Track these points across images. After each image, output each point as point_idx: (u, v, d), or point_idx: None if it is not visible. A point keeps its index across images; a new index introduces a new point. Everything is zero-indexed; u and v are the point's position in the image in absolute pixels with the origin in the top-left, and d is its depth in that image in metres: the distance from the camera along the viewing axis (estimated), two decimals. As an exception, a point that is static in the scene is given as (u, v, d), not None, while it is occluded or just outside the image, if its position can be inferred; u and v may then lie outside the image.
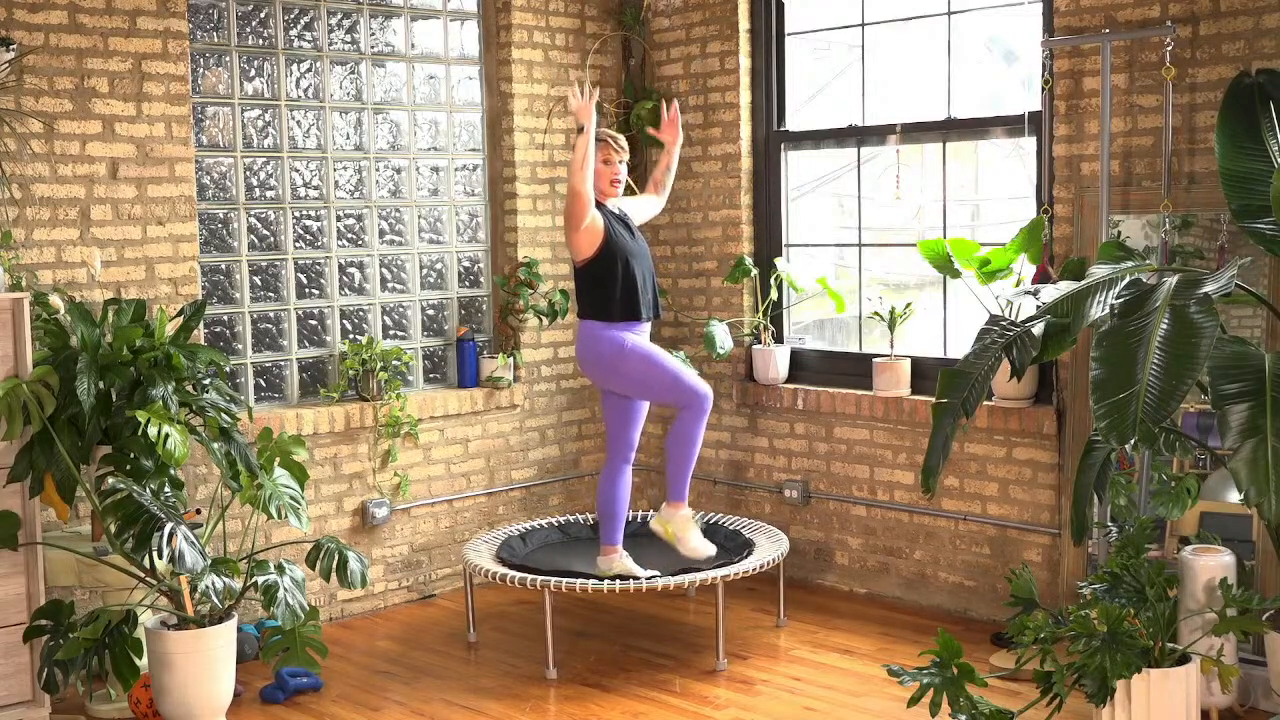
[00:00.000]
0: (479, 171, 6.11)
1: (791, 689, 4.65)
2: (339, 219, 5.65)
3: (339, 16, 5.61)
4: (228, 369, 5.06)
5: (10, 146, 4.64)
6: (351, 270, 5.70)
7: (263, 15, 5.39)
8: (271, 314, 5.49)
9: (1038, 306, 3.91)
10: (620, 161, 5.00)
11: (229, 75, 5.32)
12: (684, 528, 5.03)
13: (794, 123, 6.08)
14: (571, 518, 5.74)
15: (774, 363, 5.95)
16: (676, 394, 4.94)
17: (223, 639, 4.19)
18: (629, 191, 6.20)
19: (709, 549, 5.07)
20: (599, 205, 4.98)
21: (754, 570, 4.96)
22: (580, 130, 4.80)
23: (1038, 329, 3.83)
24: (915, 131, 5.57)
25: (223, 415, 4.41)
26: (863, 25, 5.77)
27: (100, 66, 4.84)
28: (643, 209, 5.26)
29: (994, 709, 3.63)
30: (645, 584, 4.85)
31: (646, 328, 5.03)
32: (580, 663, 4.96)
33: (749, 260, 5.98)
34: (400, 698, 4.65)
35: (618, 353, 4.90)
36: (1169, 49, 4.61)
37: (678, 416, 4.98)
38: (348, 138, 5.66)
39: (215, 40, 5.27)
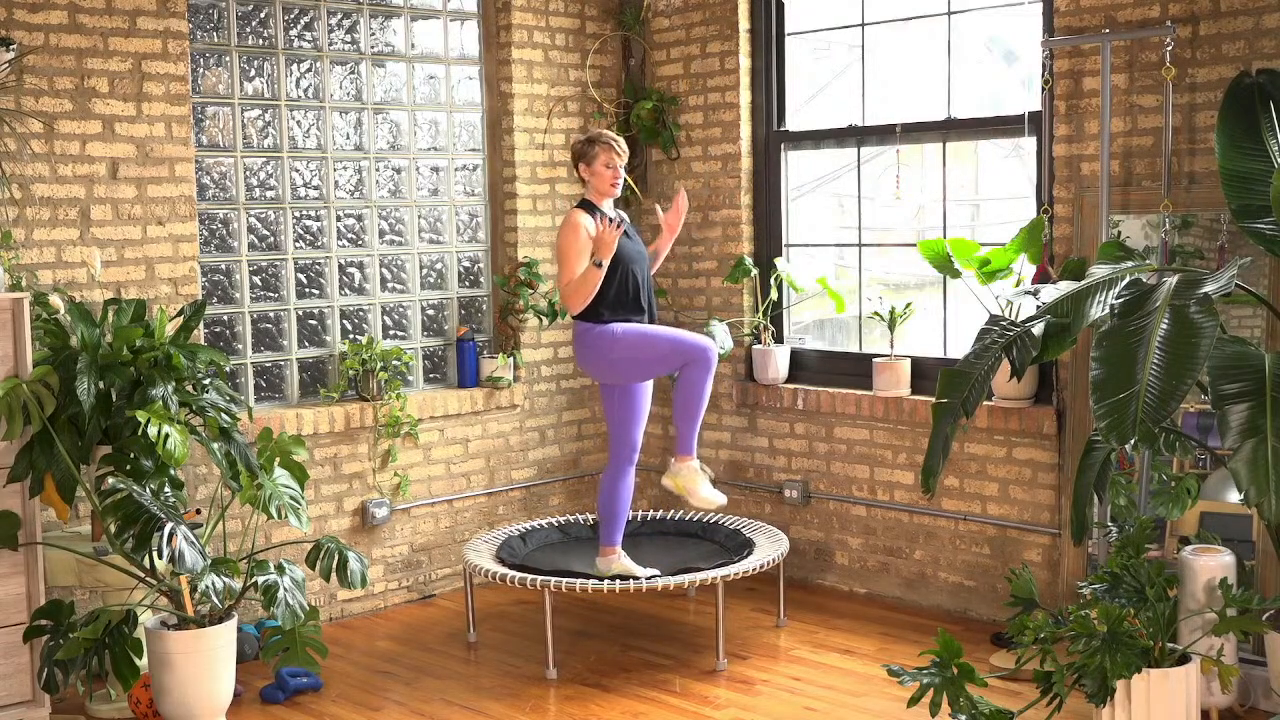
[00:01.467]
0: (479, 171, 6.11)
1: (791, 689, 4.65)
2: (339, 219, 5.65)
3: (339, 16, 5.61)
4: (228, 369, 5.06)
5: (10, 146, 4.64)
6: (351, 270, 5.71)
7: (263, 15, 5.39)
8: (271, 314, 5.49)
9: (1038, 306, 3.91)
10: (621, 165, 5.01)
11: (229, 75, 5.32)
12: (693, 479, 5.03)
13: (794, 123, 6.08)
14: (571, 518, 5.74)
15: (774, 363, 5.95)
16: (679, 354, 4.94)
17: (223, 639, 4.19)
18: (628, 190, 6.21)
19: (719, 498, 5.09)
20: (596, 209, 4.98)
21: (754, 570, 4.96)
22: (598, 265, 4.80)
23: (1038, 329, 3.83)
24: (915, 131, 5.57)
25: (223, 415, 4.41)
26: (863, 25, 5.77)
27: (100, 66, 4.84)
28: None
29: (994, 709, 3.63)
30: (645, 584, 4.85)
31: None
32: (580, 663, 4.96)
33: (749, 260, 5.98)
34: (400, 698, 4.65)
35: (611, 341, 4.90)
36: (1169, 49, 4.61)
37: (683, 372, 4.98)
38: (348, 138, 5.66)
39: (215, 40, 5.27)
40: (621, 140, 5.05)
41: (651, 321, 5.03)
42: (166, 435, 4.11)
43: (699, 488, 5.03)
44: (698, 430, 5.06)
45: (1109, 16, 4.82)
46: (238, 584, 4.22)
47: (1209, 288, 3.46)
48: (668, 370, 5.01)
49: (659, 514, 5.79)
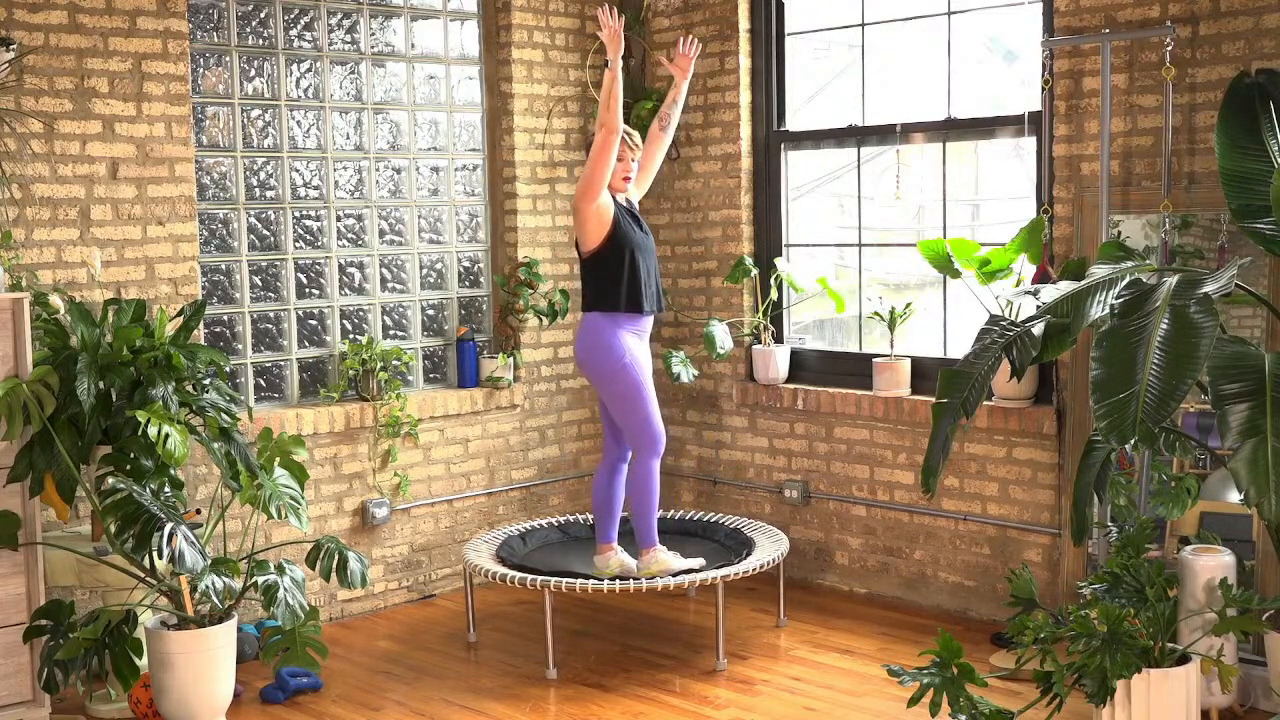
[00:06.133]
0: (479, 171, 6.11)
1: (791, 689, 4.65)
2: (339, 219, 5.65)
3: (339, 16, 5.61)
4: (228, 369, 5.06)
5: (10, 146, 4.64)
6: (351, 270, 5.70)
7: (263, 15, 5.39)
8: (271, 314, 5.49)
9: (1038, 306, 3.91)
10: (634, 160, 5.00)
11: (229, 75, 5.32)
12: (664, 565, 4.96)
13: (794, 123, 6.08)
14: (571, 518, 5.74)
15: (774, 363, 5.95)
16: (640, 434, 4.94)
17: (223, 639, 4.19)
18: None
19: (686, 563, 5.04)
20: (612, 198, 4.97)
21: (754, 570, 4.96)
22: (607, 65, 4.80)
23: (1038, 329, 3.83)
24: (915, 131, 5.57)
25: (223, 415, 4.41)
26: (863, 25, 5.77)
27: (100, 66, 4.84)
28: (653, 158, 5.19)
29: (994, 709, 3.63)
30: (645, 583, 4.84)
31: (649, 322, 5.03)
32: (580, 663, 4.96)
33: (749, 260, 5.98)
34: (400, 698, 4.65)
35: (617, 367, 4.89)
36: (1169, 49, 4.61)
37: (635, 459, 4.97)
38: (348, 138, 5.66)
39: (215, 40, 5.27)
40: (635, 134, 5.04)
41: (659, 309, 5.02)
42: (166, 435, 4.11)
43: (672, 564, 4.96)
44: (655, 518, 5.00)
45: (1109, 16, 4.82)
46: (238, 584, 4.22)
47: (1209, 288, 3.46)
48: (621, 426, 4.97)
49: (659, 513, 5.77)
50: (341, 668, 4.93)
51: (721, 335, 5.84)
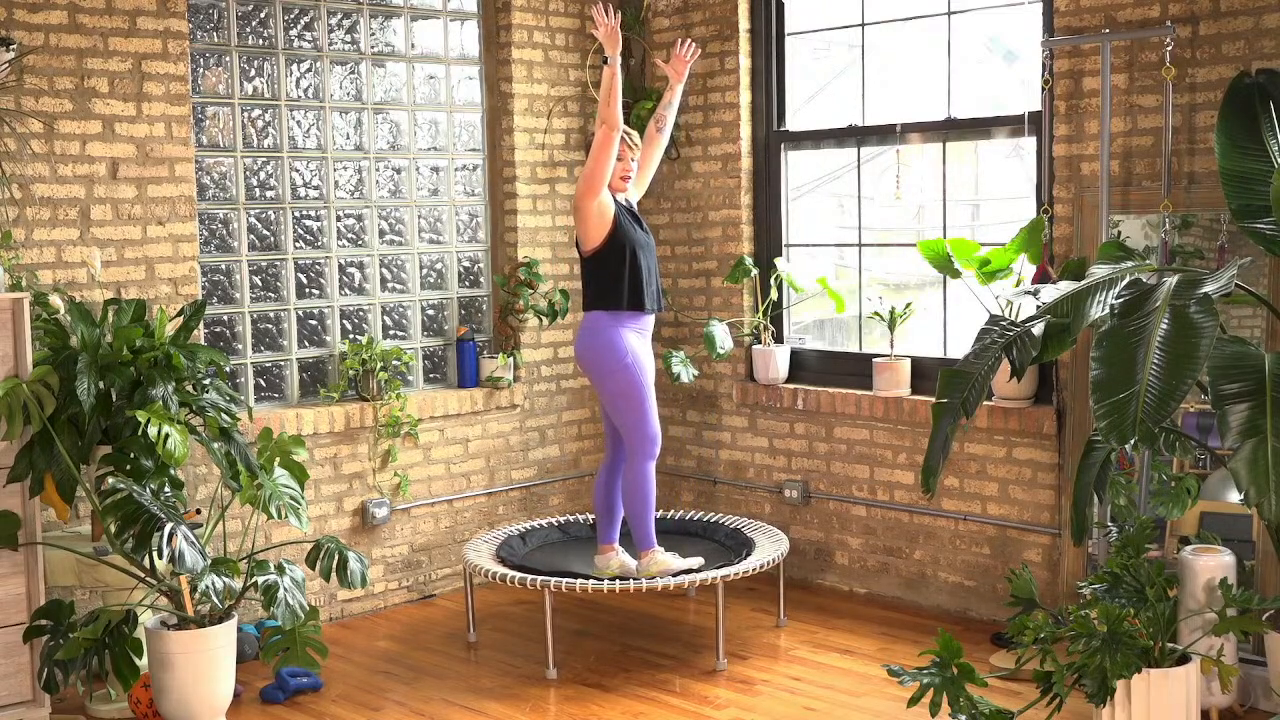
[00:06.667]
0: (479, 171, 6.11)
1: (791, 689, 4.65)
2: (339, 219, 5.65)
3: (339, 16, 5.61)
4: (228, 369, 5.06)
5: (10, 146, 4.64)
6: (351, 270, 5.71)
7: (263, 15, 5.39)
8: (271, 314, 5.49)
9: (1038, 306, 3.91)
10: (633, 159, 5.00)
11: (229, 75, 5.32)
12: (665, 563, 4.94)
13: (794, 123, 6.08)
14: (571, 518, 5.74)
15: (774, 363, 5.95)
16: (635, 433, 4.92)
17: (223, 639, 4.19)
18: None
19: (692, 561, 5.04)
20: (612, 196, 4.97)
21: (754, 570, 4.96)
22: (605, 62, 4.81)
23: (1038, 329, 3.83)
24: (915, 131, 5.57)
25: (223, 415, 4.41)
26: (863, 25, 5.77)
27: (100, 66, 4.84)
28: (650, 160, 5.19)
29: (994, 709, 3.63)
30: (645, 583, 4.84)
31: (650, 321, 5.02)
32: (580, 663, 4.96)
33: (749, 260, 5.98)
34: (400, 698, 4.65)
35: (617, 366, 4.88)
36: (1169, 49, 4.61)
37: (629, 461, 4.96)
38: (348, 138, 5.66)
39: (215, 40, 5.27)
40: (635, 134, 5.04)
41: (659, 308, 5.02)
42: (166, 435, 4.11)
43: (672, 564, 4.94)
44: (652, 520, 4.97)
45: (1109, 16, 4.82)
46: (238, 584, 4.22)
47: (1209, 288, 3.46)
48: (619, 426, 4.95)
49: (659, 514, 5.78)
50: (341, 668, 4.94)
51: (721, 335, 5.84)
